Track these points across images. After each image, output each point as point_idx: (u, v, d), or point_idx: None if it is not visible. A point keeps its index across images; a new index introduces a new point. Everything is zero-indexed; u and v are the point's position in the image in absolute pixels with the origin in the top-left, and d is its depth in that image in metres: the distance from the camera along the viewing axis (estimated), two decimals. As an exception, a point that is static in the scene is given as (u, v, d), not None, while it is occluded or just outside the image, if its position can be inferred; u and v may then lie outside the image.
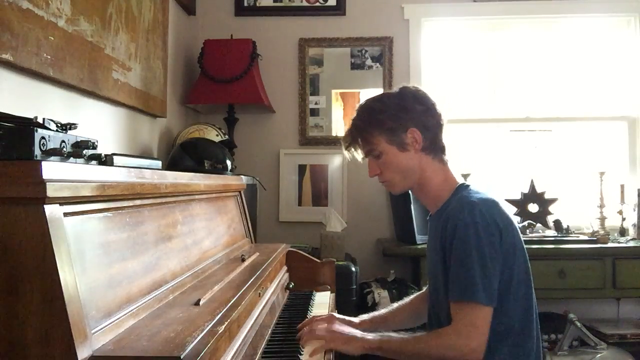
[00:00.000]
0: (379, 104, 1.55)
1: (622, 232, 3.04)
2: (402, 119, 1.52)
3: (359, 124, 1.57)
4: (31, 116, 1.04)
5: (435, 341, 1.39)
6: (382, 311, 1.80)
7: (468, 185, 1.55)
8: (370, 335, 1.47)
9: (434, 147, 1.54)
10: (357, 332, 1.49)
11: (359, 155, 1.61)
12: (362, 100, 1.64)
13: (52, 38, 1.63)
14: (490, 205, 1.45)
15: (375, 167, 1.57)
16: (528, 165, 3.29)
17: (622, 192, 3.09)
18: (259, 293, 1.52)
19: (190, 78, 3.15)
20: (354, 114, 1.61)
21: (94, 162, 1.16)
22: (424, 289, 1.80)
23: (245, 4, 3.32)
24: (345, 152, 1.64)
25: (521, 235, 1.52)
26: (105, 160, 1.21)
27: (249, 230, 2.20)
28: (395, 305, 1.80)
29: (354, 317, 1.74)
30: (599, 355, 2.69)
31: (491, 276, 1.37)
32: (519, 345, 1.44)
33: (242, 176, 2.42)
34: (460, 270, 1.39)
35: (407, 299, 1.81)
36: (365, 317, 1.75)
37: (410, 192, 1.77)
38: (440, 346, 1.37)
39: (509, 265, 1.42)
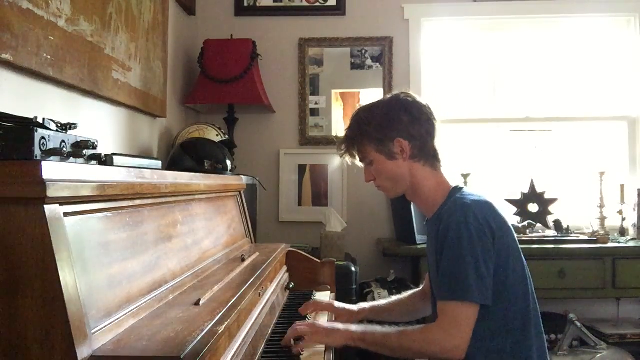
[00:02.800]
0: (367, 115, 1.60)
1: (622, 232, 3.04)
2: (388, 129, 1.55)
3: (350, 134, 1.63)
4: (31, 116, 1.04)
5: (419, 336, 1.41)
6: (381, 302, 1.87)
7: (462, 188, 1.57)
8: (353, 327, 1.48)
9: (424, 154, 1.57)
10: (340, 325, 1.50)
11: (357, 160, 1.66)
12: (361, 103, 1.69)
13: (52, 38, 1.63)
14: (483, 207, 1.47)
15: (369, 174, 1.63)
16: (528, 165, 3.29)
17: (622, 192, 3.09)
18: (259, 293, 1.52)
19: (190, 78, 3.15)
20: (348, 123, 1.66)
21: (94, 162, 1.16)
22: (421, 286, 1.84)
23: (245, 4, 3.32)
24: (342, 159, 1.69)
25: (516, 235, 1.53)
26: (105, 160, 1.21)
27: (249, 230, 2.20)
28: (394, 298, 1.86)
29: (354, 305, 1.81)
30: (599, 355, 2.69)
31: (484, 275, 1.38)
32: (520, 344, 1.45)
33: (242, 176, 2.42)
34: (451, 270, 1.40)
35: (405, 294, 1.85)
36: (365, 305, 1.82)
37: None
38: (424, 341, 1.39)
39: (504, 266, 1.43)
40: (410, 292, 1.86)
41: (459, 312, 1.37)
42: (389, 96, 1.64)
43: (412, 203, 2.79)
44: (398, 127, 1.55)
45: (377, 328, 1.46)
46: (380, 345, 1.44)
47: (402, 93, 1.62)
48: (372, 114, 1.59)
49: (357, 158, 1.64)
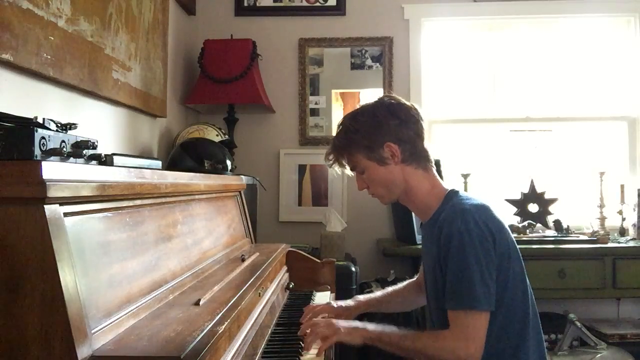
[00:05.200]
0: (354, 123, 1.57)
1: (622, 232, 3.04)
2: (376, 135, 1.53)
3: (337, 143, 1.60)
4: (31, 116, 1.04)
5: (434, 342, 1.41)
6: (377, 294, 1.87)
7: (457, 192, 1.56)
8: (371, 326, 1.49)
9: (415, 157, 1.55)
10: (358, 323, 1.52)
11: (347, 170, 1.64)
12: (361, 103, 1.67)
13: (52, 38, 1.63)
14: (482, 211, 1.46)
15: (362, 182, 1.61)
16: (528, 165, 3.29)
17: (622, 192, 3.09)
18: (259, 293, 1.52)
19: (190, 78, 3.15)
20: (335, 133, 1.64)
21: (94, 162, 1.16)
22: (416, 276, 1.85)
23: (245, 4, 3.32)
24: (331, 169, 1.67)
25: (514, 238, 1.53)
26: (105, 160, 1.21)
27: (249, 230, 2.20)
28: (390, 289, 1.86)
29: (350, 300, 1.82)
30: (599, 355, 2.69)
31: (488, 281, 1.39)
32: (519, 347, 1.45)
33: (242, 176, 2.42)
34: (457, 278, 1.40)
35: (400, 285, 1.86)
36: (361, 297, 1.83)
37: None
38: (438, 348, 1.40)
39: (504, 270, 1.44)
40: (404, 282, 1.87)
41: (470, 320, 1.38)
42: (373, 101, 1.62)
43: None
44: (386, 131, 1.53)
45: (394, 329, 1.48)
46: (396, 346, 1.45)
47: (386, 96, 1.61)
48: (358, 121, 1.56)
49: (347, 167, 1.62)
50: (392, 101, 1.58)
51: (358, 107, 1.64)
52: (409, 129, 1.55)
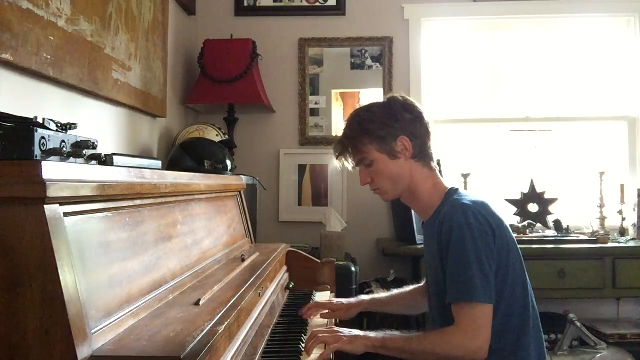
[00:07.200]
0: (369, 114, 1.59)
1: (622, 232, 3.04)
2: (391, 127, 1.55)
3: (350, 133, 1.60)
4: (31, 116, 1.04)
5: (440, 340, 1.41)
6: (381, 295, 1.87)
7: (457, 189, 1.58)
8: (372, 334, 1.48)
9: (423, 155, 1.58)
10: (359, 332, 1.51)
11: (349, 164, 1.65)
12: (361, 103, 1.68)
13: (52, 38, 1.63)
14: (482, 207, 1.48)
15: (366, 176, 1.61)
16: (528, 165, 3.29)
17: (622, 192, 3.09)
18: (259, 293, 1.52)
19: (190, 78, 3.15)
20: (344, 124, 1.65)
21: (94, 162, 1.16)
22: (423, 282, 1.84)
23: (245, 4, 3.32)
24: (336, 162, 1.67)
25: (514, 235, 1.54)
26: (105, 160, 1.21)
27: (249, 230, 2.20)
28: (395, 292, 1.86)
29: (353, 299, 1.81)
30: (599, 355, 2.70)
31: (488, 275, 1.40)
32: (518, 343, 1.46)
33: (242, 176, 2.42)
34: (457, 272, 1.41)
35: (406, 289, 1.86)
36: (364, 297, 1.83)
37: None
38: (446, 345, 1.39)
39: (504, 265, 1.45)
40: (412, 286, 1.87)
41: (475, 313, 1.38)
42: (384, 99, 1.64)
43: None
44: (401, 125, 1.56)
45: (396, 333, 1.46)
46: (401, 350, 1.43)
47: (398, 95, 1.64)
48: (374, 112, 1.58)
49: (353, 161, 1.62)
50: (405, 99, 1.61)
51: (368, 103, 1.64)
52: (421, 125, 1.58)
